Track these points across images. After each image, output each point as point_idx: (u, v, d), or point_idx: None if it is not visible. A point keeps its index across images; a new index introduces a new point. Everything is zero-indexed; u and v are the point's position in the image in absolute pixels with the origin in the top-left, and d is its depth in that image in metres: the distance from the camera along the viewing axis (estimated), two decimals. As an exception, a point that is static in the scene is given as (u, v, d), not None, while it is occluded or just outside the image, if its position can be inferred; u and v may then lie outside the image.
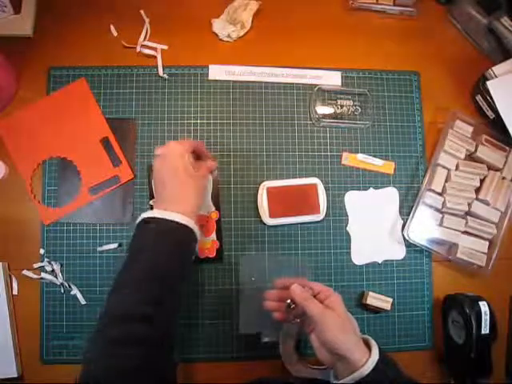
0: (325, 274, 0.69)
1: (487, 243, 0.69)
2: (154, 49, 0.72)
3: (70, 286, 0.65)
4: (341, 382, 0.48)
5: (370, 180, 0.72)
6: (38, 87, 0.70)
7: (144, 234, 0.52)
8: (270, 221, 0.67)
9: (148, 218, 0.52)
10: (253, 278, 0.66)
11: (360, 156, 0.72)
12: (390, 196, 0.72)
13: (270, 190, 0.68)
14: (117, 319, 0.46)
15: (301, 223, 0.69)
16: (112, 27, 0.72)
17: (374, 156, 0.72)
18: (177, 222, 0.52)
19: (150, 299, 0.48)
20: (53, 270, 0.65)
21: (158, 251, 0.51)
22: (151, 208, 0.67)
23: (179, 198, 0.55)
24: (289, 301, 0.53)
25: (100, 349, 0.46)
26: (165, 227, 0.52)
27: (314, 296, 0.53)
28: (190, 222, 0.53)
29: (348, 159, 0.72)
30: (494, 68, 0.70)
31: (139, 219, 0.53)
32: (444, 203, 0.69)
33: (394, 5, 0.77)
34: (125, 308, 0.47)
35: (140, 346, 0.45)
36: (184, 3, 0.74)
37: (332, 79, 0.74)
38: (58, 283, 0.65)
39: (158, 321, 0.47)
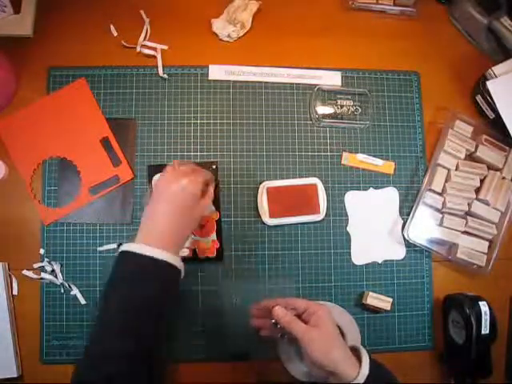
0: (325, 274, 0.69)
1: (487, 243, 0.69)
2: (154, 49, 0.72)
3: (69, 286, 0.65)
4: None
5: (369, 180, 0.72)
6: (38, 87, 0.70)
7: (128, 267, 0.50)
8: (269, 221, 0.67)
9: (135, 252, 0.49)
10: (236, 299, 0.66)
11: (360, 156, 0.72)
12: (390, 196, 0.72)
13: (269, 190, 0.68)
14: (101, 356, 0.45)
15: (301, 223, 0.69)
16: (112, 27, 0.72)
17: (374, 156, 0.72)
18: (166, 262, 0.49)
19: (133, 333, 0.46)
20: (53, 270, 0.65)
21: (144, 286, 0.48)
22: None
23: (176, 236, 0.52)
24: (274, 320, 0.53)
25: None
26: (152, 265, 0.49)
27: (301, 314, 0.53)
28: (178, 262, 0.51)
29: (348, 159, 0.72)
30: (493, 68, 0.70)
31: (123, 249, 0.50)
32: (444, 203, 0.69)
33: (394, 5, 0.77)
34: (104, 347, 0.45)
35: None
36: (184, 3, 0.74)
37: (332, 79, 0.74)
38: (58, 283, 0.65)
39: (140, 356, 0.46)
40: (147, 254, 0.49)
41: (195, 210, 0.54)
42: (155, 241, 0.50)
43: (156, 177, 0.68)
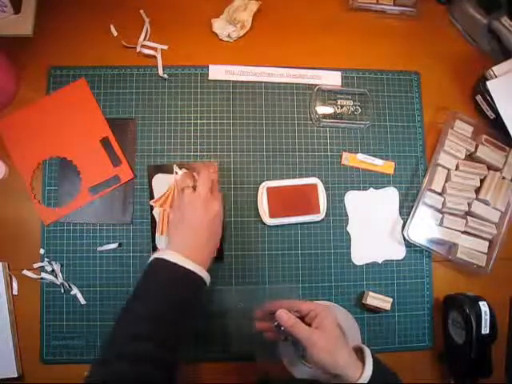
0: (325, 274, 0.69)
1: (487, 243, 0.69)
2: (154, 49, 0.72)
3: (70, 286, 0.65)
4: None
5: (370, 180, 0.72)
6: (38, 87, 0.70)
7: (158, 275, 0.52)
8: (269, 221, 0.67)
9: (167, 260, 0.51)
10: (240, 304, 0.66)
11: (360, 156, 0.72)
12: (390, 196, 0.72)
13: (269, 190, 0.68)
14: (125, 357, 0.46)
15: (301, 223, 0.69)
16: (112, 27, 0.72)
17: (374, 156, 0.72)
18: (194, 272, 0.51)
19: (158, 340, 0.47)
20: (53, 270, 0.65)
21: (172, 294, 0.50)
22: (151, 208, 0.67)
23: (208, 252, 0.55)
24: (276, 323, 0.53)
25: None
26: (181, 274, 0.51)
27: (304, 316, 0.53)
28: (206, 275, 0.53)
29: (348, 159, 0.72)
30: (493, 68, 0.70)
31: (156, 256, 0.52)
32: (444, 203, 0.69)
33: (394, 5, 0.77)
34: (133, 347, 0.46)
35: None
36: (184, 3, 0.74)
37: (332, 79, 0.74)
38: (58, 283, 0.65)
39: (166, 362, 0.47)
40: (181, 263, 0.51)
41: (218, 228, 0.58)
42: (188, 253, 0.52)
43: (157, 177, 0.68)
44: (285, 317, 0.52)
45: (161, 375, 0.46)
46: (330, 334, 0.50)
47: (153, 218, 0.67)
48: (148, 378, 0.45)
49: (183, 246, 0.53)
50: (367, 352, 0.51)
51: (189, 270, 0.51)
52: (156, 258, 0.52)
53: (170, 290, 0.50)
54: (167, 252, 0.52)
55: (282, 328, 0.52)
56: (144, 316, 0.48)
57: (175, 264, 0.51)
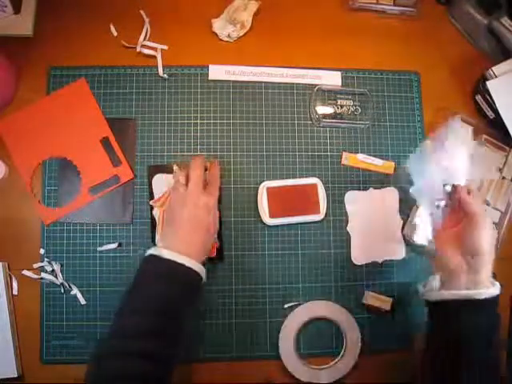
0: (325, 274, 0.69)
1: (487, 243, 0.69)
2: (154, 49, 0.72)
3: (70, 286, 0.65)
4: (452, 292, 0.50)
5: (370, 180, 0.71)
6: (38, 87, 0.70)
7: (152, 271, 0.52)
8: (270, 221, 0.67)
9: (159, 256, 0.52)
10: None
11: (360, 156, 0.72)
12: (390, 196, 0.72)
13: (269, 190, 0.68)
14: (117, 353, 0.47)
15: (301, 223, 0.69)
16: (112, 27, 0.72)
17: (374, 156, 0.72)
18: (188, 267, 0.52)
19: (155, 335, 0.48)
20: (53, 270, 0.65)
21: (168, 289, 0.51)
22: (151, 208, 0.67)
23: (196, 244, 0.55)
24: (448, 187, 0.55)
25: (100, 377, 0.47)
26: (175, 269, 0.52)
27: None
28: (199, 267, 0.53)
29: (348, 159, 0.72)
30: (493, 68, 0.70)
31: (149, 253, 0.53)
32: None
33: (394, 5, 0.77)
34: (126, 343, 0.47)
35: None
36: (184, 3, 0.74)
37: (332, 79, 0.74)
38: (58, 283, 0.65)
39: (159, 357, 0.47)
40: (175, 259, 0.51)
41: (207, 222, 0.57)
42: (180, 248, 0.53)
43: (157, 177, 0.68)
44: (461, 188, 0.54)
45: (150, 369, 0.46)
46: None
47: (153, 218, 0.67)
48: (139, 373, 0.46)
49: (173, 242, 0.54)
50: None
51: (177, 263, 0.51)
52: (149, 255, 0.53)
53: (160, 284, 0.51)
54: (158, 247, 0.53)
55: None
56: (136, 311, 0.49)
57: (165, 259, 0.51)
